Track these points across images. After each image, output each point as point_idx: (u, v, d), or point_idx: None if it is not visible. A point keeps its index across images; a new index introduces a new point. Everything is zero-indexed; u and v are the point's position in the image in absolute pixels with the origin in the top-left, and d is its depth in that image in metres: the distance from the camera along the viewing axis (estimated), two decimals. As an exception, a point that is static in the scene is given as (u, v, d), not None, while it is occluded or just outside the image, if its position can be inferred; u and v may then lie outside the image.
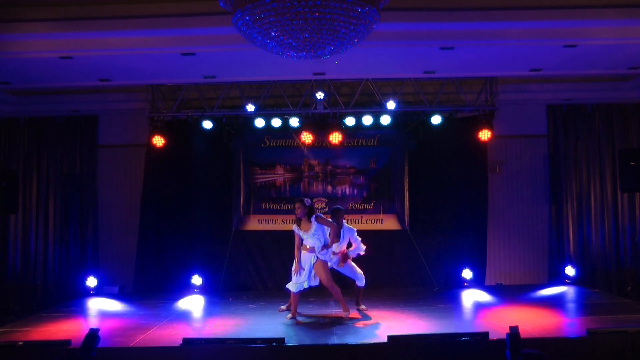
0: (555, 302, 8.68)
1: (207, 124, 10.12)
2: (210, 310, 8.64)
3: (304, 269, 7.52)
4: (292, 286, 7.56)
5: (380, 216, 10.44)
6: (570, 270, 9.94)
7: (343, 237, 7.98)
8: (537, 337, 6.28)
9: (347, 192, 10.52)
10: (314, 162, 10.57)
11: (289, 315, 7.63)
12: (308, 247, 7.51)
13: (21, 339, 6.46)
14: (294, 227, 7.60)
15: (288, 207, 10.47)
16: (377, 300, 8.78)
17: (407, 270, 10.34)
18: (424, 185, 10.42)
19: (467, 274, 9.85)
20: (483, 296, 9.16)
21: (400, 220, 10.40)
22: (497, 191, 10.60)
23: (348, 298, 8.00)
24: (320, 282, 7.61)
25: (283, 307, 8.07)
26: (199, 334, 6.99)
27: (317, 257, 7.49)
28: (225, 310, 8.43)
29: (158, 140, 10.09)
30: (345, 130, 10.26)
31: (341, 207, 8.21)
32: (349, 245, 8.13)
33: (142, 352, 6.18)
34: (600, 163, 10.56)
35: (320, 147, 10.47)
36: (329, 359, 6.04)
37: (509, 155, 10.69)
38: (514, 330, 5.01)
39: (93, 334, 5.10)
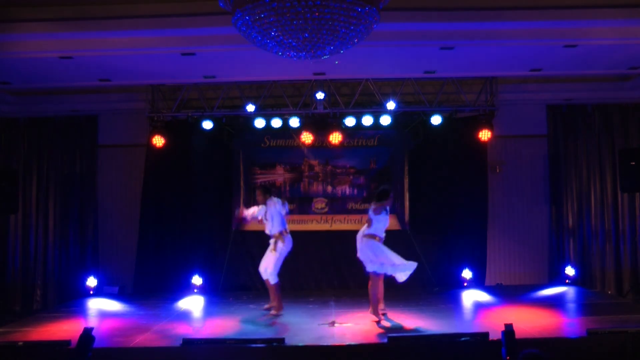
0: (555, 302, 8.68)
1: (207, 124, 10.11)
2: (210, 310, 8.64)
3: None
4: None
5: (380, 216, 10.42)
6: (570, 270, 9.95)
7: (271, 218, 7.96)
8: (537, 337, 6.28)
9: (347, 192, 10.52)
10: (314, 162, 10.57)
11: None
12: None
13: (21, 339, 6.47)
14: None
15: (288, 207, 10.46)
16: (377, 300, 8.76)
17: (407, 270, 10.32)
18: (424, 185, 10.42)
19: (467, 274, 9.85)
20: (483, 296, 9.16)
21: (400, 220, 10.40)
22: (497, 191, 10.59)
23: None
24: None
25: (267, 305, 8.13)
26: (199, 334, 6.99)
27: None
28: (225, 310, 8.42)
29: (158, 140, 10.09)
30: (345, 130, 10.26)
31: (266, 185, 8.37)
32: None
33: (142, 352, 6.18)
34: (600, 163, 10.56)
35: (320, 147, 10.47)
36: (329, 359, 6.04)
37: (509, 155, 10.68)
38: (509, 328, 5.02)
39: (87, 333, 5.05)
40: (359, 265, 10.28)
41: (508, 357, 4.86)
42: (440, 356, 5.93)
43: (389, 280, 10.22)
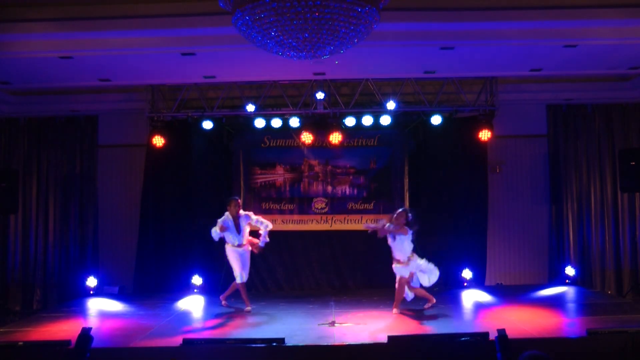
0: (555, 302, 8.68)
1: (207, 124, 10.11)
2: (210, 310, 8.63)
3: None
4: None
5: (380, 216, 10.39)
6: (570, 270, 9.95)
7: (241, 227, 8.16)
8: (537, 337, 6.28)
9: (347, 192, 10.52)
10: (314, 162, 10.57)
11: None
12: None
13: (21, 339, 6.46)
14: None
15: (288, 207, 10.49)
16: (377, 300, 8.79)
17: (407, 270, 10.31)
18: (424, 185, 10.42)
19: (467, 274, 9.85)
20: (483, 296, 9.16)
21: (400, 220, 10.38)
22: (497, 191, 10.59)
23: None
24: None
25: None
26: (199, 334, 7.00)
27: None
28: (226, 310, 8.42)
29: (158, 140, 10.09)
30: (345, 130, 10.25)
31: (236, 197, 8.50)
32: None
33: (142, 352, 6.18)
34: (600, 163, 10.56)
35: (320, 147, 10.47)
36: (329, 359, 6.04)
37: (509, 155, 10.68)
38: (502, 333, 5.01)
39: (85, 333, 5.04)
40: (359, 265, 10.37)
41: None
42: (440, 356, 5.92)
43: (389, 280, 10.24)
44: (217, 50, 8.05)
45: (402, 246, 7.76)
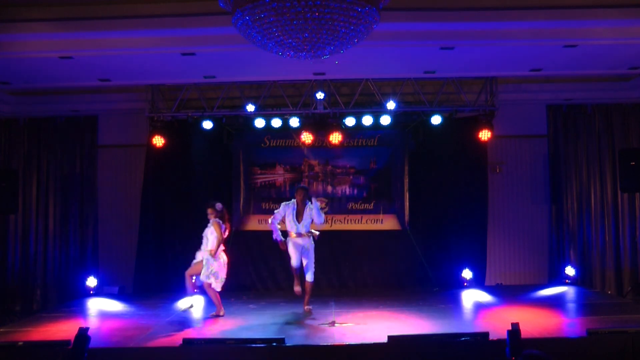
0: (555, 302, 8.68)
1: (207, 124, 10.11)
2: (210, 310, 8.62)
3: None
4: None
5: (380, 216, 10.44)
6: (570, 270, 9.95)
7: (304, 217, 8.08)
8: (537, 337, 6.28)
9: (347, 192, 10.52)
10: (314, 162, 10.57)
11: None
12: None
13: (21, 339, 6.46)
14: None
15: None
16: (377, 300, 8.78)
17: (407, 270, 10.33)
18: (424, 185, 10.41)
19: (467, 274, 9.86)
20: (483, 296, 9.16)
21: (400, 220, 10.40)
22: (497, 191, 10.60)
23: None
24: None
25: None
26: (199, 334, 7.00)
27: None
28: (225, 310, 8.41)
29: (158, 140, 10.09)
30: (345, 130, 10.26)
31: (304, 186, 8.55)
32: None
33: (142, 352, 6.18)
34: (600, 163, 10.56)
35: (320, 147, 10.47)
36: (329, 359, 6.04)
37: (509, 155, 10.69)
38: (515, 328, 5.01)
39: (82, 334, 5.03)
40: (359, 265, 10.37)
41: (513, 358, 4.85)
42: (440, 356, 5.92)
43: (389, 280, 10.28)
44: (217, 50, 8.06)
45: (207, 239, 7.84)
